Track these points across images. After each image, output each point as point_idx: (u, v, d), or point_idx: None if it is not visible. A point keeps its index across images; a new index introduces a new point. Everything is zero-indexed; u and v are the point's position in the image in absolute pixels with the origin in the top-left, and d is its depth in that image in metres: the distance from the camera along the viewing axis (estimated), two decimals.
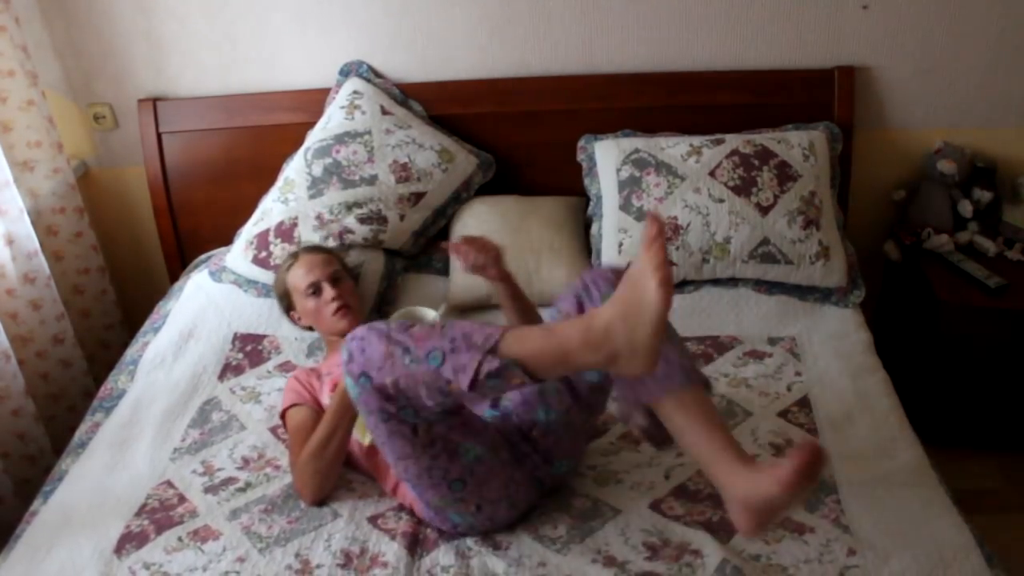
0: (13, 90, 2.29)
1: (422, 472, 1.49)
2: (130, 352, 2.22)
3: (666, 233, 1.54)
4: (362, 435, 1.69)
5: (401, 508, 1.68)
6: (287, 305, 2.04)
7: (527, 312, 1.87)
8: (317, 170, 2.35)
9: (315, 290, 1.94)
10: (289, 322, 2.08)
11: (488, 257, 1.80)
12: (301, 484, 1.68)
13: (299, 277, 1.96)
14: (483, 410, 1.68)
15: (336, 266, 2.00)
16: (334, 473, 1.70)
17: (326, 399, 1.78)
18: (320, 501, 1.69)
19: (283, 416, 1.81)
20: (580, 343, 1.25)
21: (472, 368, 1.28)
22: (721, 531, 1.56)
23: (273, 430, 1.93)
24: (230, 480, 1.78)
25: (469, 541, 1.59)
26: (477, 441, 1.51)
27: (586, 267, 2.20)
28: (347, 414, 1.65)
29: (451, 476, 1.49)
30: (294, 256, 2.02)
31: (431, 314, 1.79)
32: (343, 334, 1.92)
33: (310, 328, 2.03)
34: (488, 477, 1.53)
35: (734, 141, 2.35)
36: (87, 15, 2.49)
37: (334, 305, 1.92)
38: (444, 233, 2.44)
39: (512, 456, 1.60)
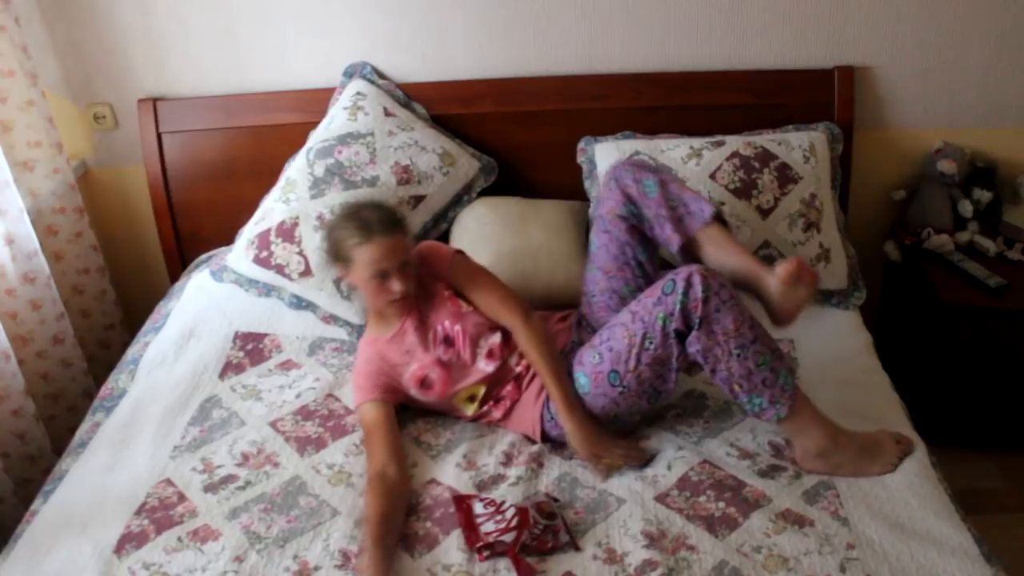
0: (13, 90, 2.29)
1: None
2: (131, 352, 2.22)
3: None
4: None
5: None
6: (336, 260, 1.90)
7: None
8: (319, 170, 2.35)
9: (382, 276, 1.84)
10: (333, 273, 1.97)
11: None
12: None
13: (368, 260, 1.82)
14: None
15: (407, 252, 1.88)
16: None
17: (413, 391, 1.90)
18: None
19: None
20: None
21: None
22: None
23: (273, 425, 1.93)
24: (230, 478, 1.78)
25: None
26: None
27: (582, 270, 2.18)
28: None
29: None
30: (367, 233, 1.82)
31: None
32: (391, 315, 1.93)
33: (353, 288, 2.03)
34: None
35: (734, 143, 2.35)
36: (87, 15, 2.49)
37: (397, 296, 1.85)
38: (445, 237, 2.43)
39: None
